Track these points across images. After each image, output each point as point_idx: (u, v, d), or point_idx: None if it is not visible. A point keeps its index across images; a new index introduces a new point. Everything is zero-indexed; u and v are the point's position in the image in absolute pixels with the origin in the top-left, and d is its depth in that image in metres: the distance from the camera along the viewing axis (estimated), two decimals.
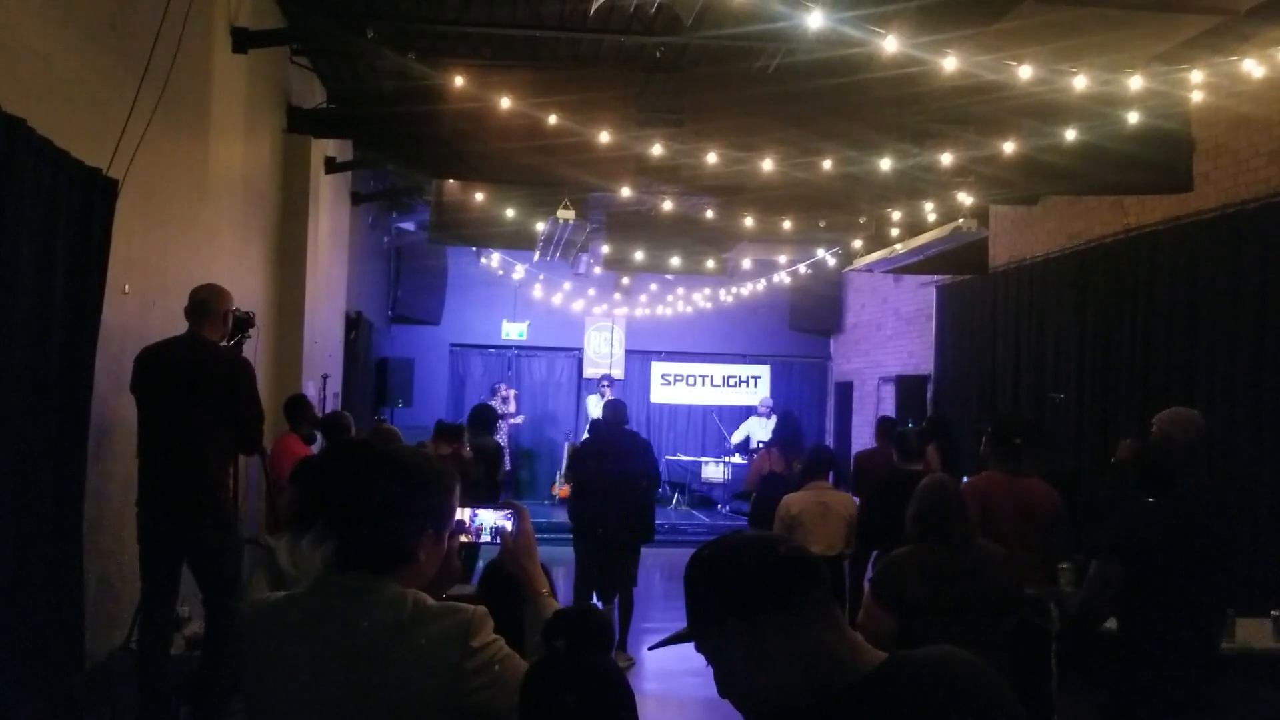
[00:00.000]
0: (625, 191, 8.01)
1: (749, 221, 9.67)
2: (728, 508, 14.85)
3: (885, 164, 6.98)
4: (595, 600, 7.64)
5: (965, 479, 6.21)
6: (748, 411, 16.49)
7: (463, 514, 2.10)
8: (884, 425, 8.99)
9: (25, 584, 3.76)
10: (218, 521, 4.66)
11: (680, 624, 1.66)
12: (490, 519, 2.14)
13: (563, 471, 15.28)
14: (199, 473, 4.58)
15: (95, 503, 4.52)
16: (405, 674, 1.79)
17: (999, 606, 3.84)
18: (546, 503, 15.15)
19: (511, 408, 15.08)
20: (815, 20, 4.30)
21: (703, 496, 15.56)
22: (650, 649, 2.12)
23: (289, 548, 3.59)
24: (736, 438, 15.45)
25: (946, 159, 6.97)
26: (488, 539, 2.13)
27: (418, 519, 1.91)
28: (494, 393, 15.07)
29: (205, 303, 4.73)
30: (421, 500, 1.93)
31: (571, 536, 7.77)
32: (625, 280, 15.63)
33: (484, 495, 8.39)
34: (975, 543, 3.96)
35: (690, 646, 1.64)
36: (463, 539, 2.11)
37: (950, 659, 1.61)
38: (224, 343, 4.97)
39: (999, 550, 4.06)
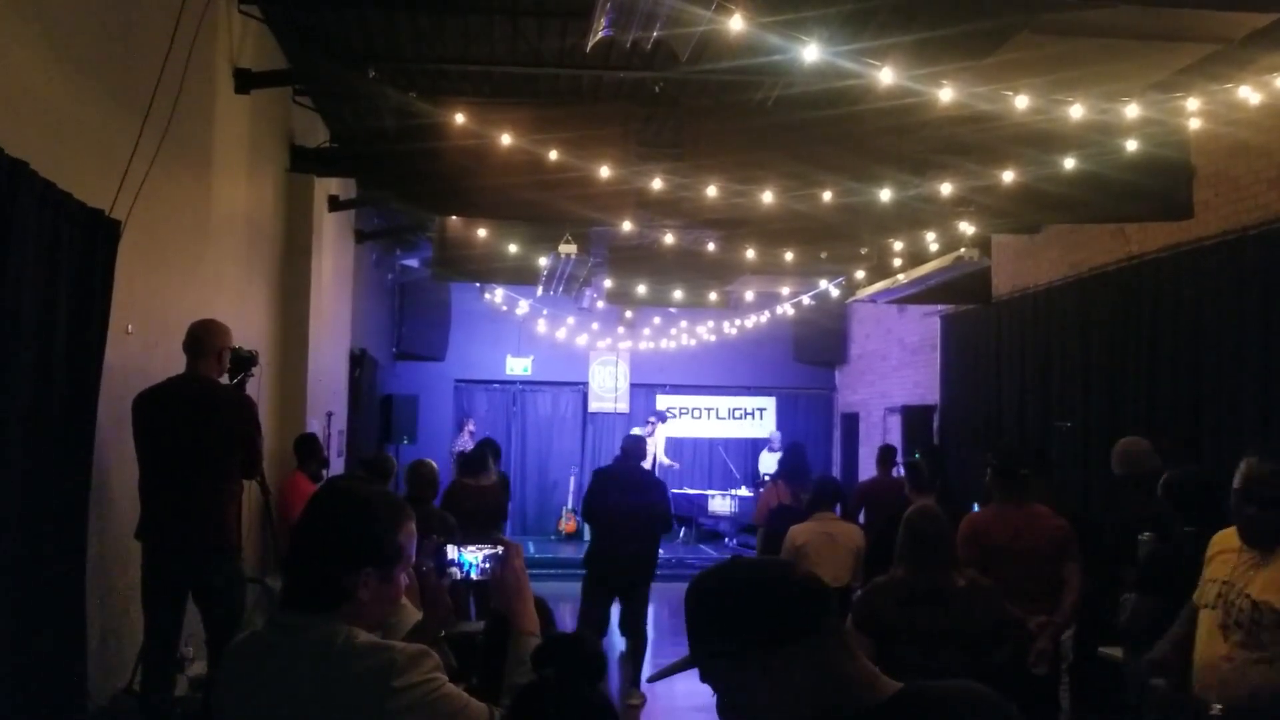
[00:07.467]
0: (626, 225, 8.04)
1: (751, 254, 9.69)
2: (735, 541, 14.76)
3: (885, 194, 6.99)
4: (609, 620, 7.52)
5: (976, 506, 6.17)
6: (754, 444, 16.43)
7: (464, 553, 2.09)
8: (885, 454, 8.96)
9: (28, 627, 3.74)
10: (223, 554, 4.64)
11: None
12: (478, 557, 2.11)
13: (569, 507, 15.24)
14: (204, 510, 4.56)
15: (98, 545, 4.49)
16: (327, 713, 1.78)
17: (977, 637, 3.80)
18: (553, 538, 15.08)
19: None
20: (811, 54, 4.32)
21: (710, 530, 15.48)
22: (650, 680, 2.10)
23: None
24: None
25: (946, 189, 6.98)
26: (475, 577, 2.11)
27: (352, 557, 1.88)
28: (461, 427, 14.99)
29: (197, 338, 4.71)
30: (356, 538, 1.89)
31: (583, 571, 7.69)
32: (629, 314, 15.64)
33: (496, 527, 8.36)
34: (953, 572, 3.94)
35: (696, 679, 1.61)
36: (475, 577, 2.09)
37: (965, 691, 1.58)
38: (226, 380, 4.96)
39: (985, 582, 4.03)
